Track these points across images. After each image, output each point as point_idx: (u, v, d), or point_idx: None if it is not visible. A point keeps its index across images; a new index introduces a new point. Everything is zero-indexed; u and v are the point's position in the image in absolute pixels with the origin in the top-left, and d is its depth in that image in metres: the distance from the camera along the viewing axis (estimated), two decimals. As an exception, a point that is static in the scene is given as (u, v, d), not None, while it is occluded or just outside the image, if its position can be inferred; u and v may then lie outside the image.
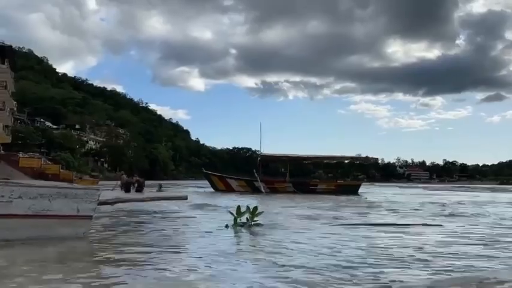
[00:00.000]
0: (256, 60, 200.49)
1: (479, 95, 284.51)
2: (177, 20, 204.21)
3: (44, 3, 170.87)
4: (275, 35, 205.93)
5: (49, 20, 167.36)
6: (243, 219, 8.53)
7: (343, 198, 23.41)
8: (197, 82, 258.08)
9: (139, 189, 23.01)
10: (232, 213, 8.63)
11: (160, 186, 27.32)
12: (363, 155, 40.07)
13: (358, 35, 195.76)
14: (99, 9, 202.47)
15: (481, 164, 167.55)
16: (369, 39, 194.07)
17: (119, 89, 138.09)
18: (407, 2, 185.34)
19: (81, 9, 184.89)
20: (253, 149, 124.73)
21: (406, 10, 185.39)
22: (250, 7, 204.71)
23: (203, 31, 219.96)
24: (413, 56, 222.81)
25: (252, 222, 8.46)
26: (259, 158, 33.32)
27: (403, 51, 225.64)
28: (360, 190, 31.94)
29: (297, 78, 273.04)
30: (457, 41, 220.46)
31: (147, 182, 30.67)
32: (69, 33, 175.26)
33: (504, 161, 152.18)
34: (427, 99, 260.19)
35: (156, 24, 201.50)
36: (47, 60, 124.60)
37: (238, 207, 8.66)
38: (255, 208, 8.71)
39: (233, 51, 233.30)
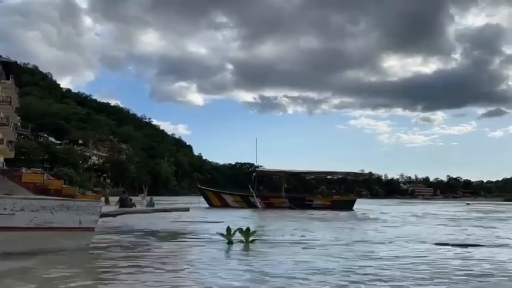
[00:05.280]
0: (253, 75, 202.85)
1: (480, 110, 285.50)
2: (172, 36, 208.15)
3: (41, 21, 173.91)
4: (268, 50, 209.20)
5: (45, 37, 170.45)
6: (237, 239, 8.03)
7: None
8: (196, 97, 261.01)
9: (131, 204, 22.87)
10: (223, 236, 8.08)
11: (150, 200, 26.35)
12: (366, 171, 39.93)
13: (352, 50, 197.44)
14: (95, 26, 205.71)
15: (485, 181, 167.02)
16: (364, 54, 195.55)
17: (113, 104, 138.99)
18: (399, 16, 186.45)
19: (77, 26, 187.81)
20: (255, 164, 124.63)
21: (399, 24, 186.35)
22: (241, 24, 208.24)
23: (199, 47, 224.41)
24: (410, 70, 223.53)
25: (250, 239, 7.99)
26: (254, 174, 33.34)
27: (400, 65, 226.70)
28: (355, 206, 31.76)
29: (295, 93, 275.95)
30: (454, 55, 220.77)
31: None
32: (66, 49, 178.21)
33: (508, 177, 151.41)
34: (427, 114, 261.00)
35: (151, 41, 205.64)
36: (51, 76, 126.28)
37: (228, 228, 8.10)
38: (248, 229, 8.22)
39: (229, 66, 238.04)
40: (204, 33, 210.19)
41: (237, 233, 8.06)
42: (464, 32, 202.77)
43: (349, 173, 37.26)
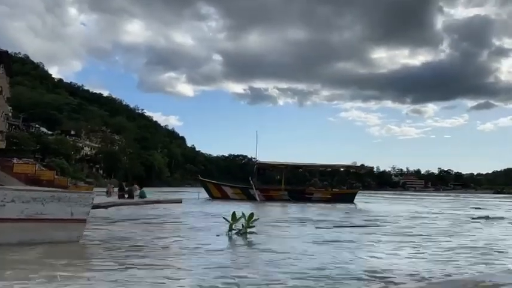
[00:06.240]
0: (242, 67, 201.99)
1: (470, 103, 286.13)
2: (158, 26, 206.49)
3: (26, 12, 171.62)
4: (255, 41, 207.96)
5: (31, 27, 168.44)
6: (238, 225, 8.43)
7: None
8: (185, 88, 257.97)
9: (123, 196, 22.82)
10: (227, 220, 8.52)
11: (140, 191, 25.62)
12: (358, 163, 40.05)
13: (340, 42, 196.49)
14: (80, 16, 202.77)
15: (475, 173, 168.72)
16: (352, 46, 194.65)
17: (106, 94, 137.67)
18: (387, 8, 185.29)
19: (62, 16, 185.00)
20: (248, 156, 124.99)
21: (387, 16, 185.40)
22: (225, 15, 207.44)
23: (185, 37, 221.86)
24: (398, 62, 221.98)
25: (248, 230, 8.30)
26: (255, 166, 33.14)
27: (388, 57, 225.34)
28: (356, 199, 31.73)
29: (284, 85, 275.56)
30: (442, 47, 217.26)
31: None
32: (52, 39, 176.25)
33: (498, 169, 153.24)
34: (417, 107, 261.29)
35: (137, 31, 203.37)
36: (43, 65, 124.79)
37: (234, 214, 8.53)
38: (251, 214, 8.59)
39: (218, 57, 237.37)
40: (190, 24, 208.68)
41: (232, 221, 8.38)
42: (452, 23, 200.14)
43: (350, 166, 37.43)
